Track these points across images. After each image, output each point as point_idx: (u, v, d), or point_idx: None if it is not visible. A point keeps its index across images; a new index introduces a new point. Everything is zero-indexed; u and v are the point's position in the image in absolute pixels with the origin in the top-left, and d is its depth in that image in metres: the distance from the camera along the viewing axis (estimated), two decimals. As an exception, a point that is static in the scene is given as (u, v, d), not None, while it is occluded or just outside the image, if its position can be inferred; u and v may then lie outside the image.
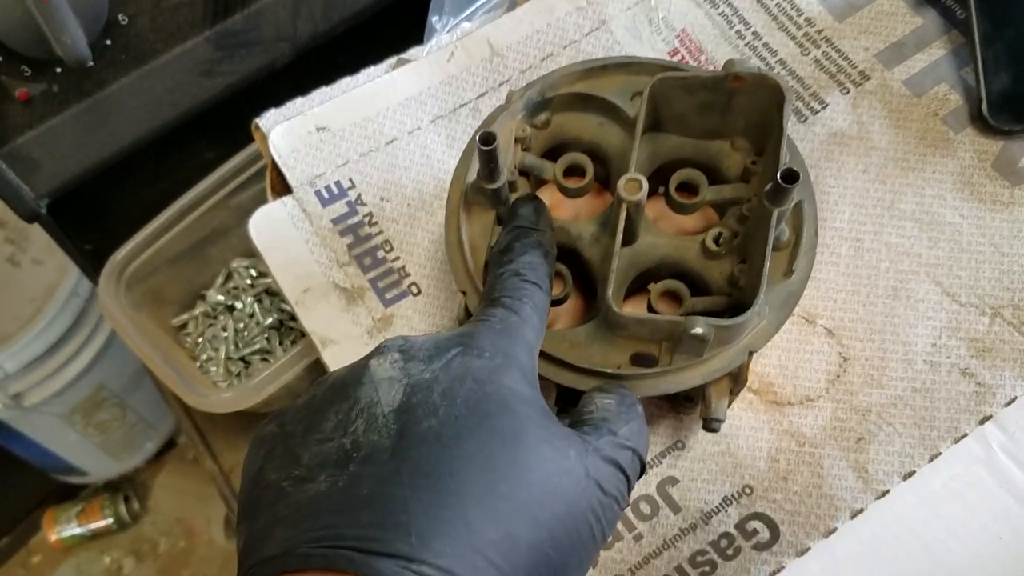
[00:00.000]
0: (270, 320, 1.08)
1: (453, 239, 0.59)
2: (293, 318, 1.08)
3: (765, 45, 0.73)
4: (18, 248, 1.51)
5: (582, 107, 0.63)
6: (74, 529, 2.05)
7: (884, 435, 0.61)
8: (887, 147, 0.69)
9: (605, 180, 0.63)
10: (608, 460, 0.45)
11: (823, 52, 0.72)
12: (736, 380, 0.57)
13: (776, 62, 0.73)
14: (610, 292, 0.53)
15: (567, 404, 0.54)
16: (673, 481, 0.62)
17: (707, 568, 0.59)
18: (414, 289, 0.68)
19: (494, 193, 0.57)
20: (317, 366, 0.74)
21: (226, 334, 1.06)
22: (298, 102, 0.75)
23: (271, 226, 0.71)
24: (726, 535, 0.60)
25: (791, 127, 0.66)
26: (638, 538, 0.60)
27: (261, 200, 0.74)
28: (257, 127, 0.74)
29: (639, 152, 0.58)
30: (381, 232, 0.70)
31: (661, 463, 0.62)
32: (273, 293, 1.10)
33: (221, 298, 1.09)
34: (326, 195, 0.71)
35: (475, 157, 0.59)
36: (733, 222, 0.59)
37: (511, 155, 0.61)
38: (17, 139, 0.86)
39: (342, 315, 0.68)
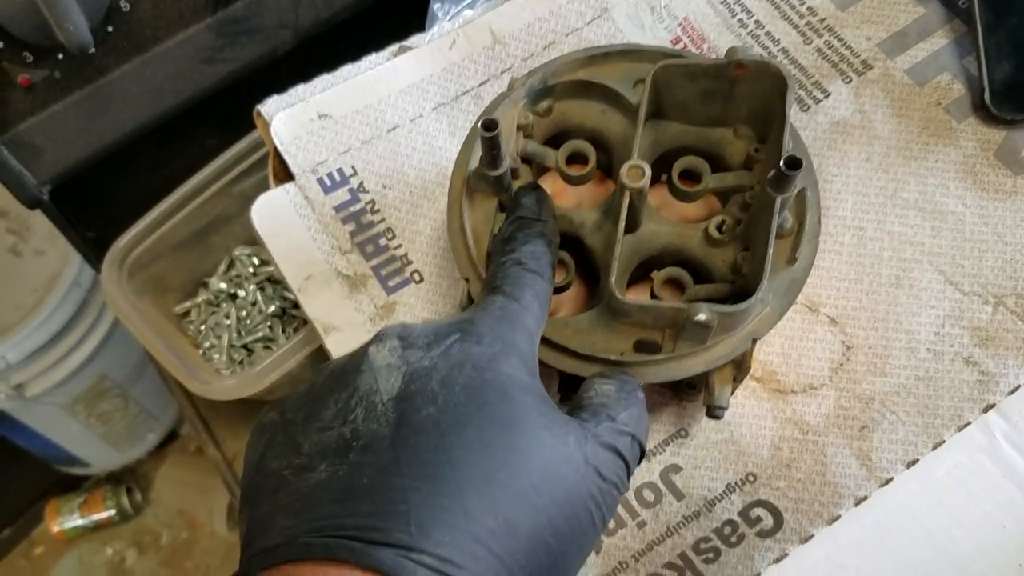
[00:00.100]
0: (272, 308, 1.08)
1: (455, 226, 0.59)
2: (296, 306, 1.08)
3: (767, 34, 0.73)
4: (20, 238, 1.51)
5: (584, 94, 0.63)
6: (76, 520, 2.06)
7: (888, 423, 0.61)
8: (890, 136, 0.68)
9: (607, 168, 0.63)
10: (607, 446, 0.45)
11: (825, 41, 0.72)
12: (739, 368, 0.56)
13: (778, 51, 0.72)
14: (613, 279, 0.53)
15: (569, 391, 0.54)
16: (676, 469, 0.62)
17: (711, 555, 0.59)
18: (416, 277, 0.68)
19: (496, 180, 0.57)
20: (320, 354, 0.74)
21: (229, 322, 1.06)
22: (300, 89, 0.75)
23: (273, 213, 0.71)
24: (729, 522, 0.60)
25: (793, 116, 0.65)
26: (641, 525, 0.60)
27: (263, 188, 0.74)
28: (259, 114, 0.74)
29: (641, 140, 0.58)
30: (383, 220, 0.70)
31: (664, 451, 0.62)
32: (276, 281, 1.10)
33: (223, 286, 1.09)
34: (328, 182, 0.71)
35: (477, 144, 0.58)
36: (736, 210, 0.58)
37: (513, 142, 0.61)
38: (19, 125, 0.86)
39: (344, 302, 0.68)
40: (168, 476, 2.13)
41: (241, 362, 1.06)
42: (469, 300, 0.58)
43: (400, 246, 0.69)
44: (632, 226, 0.57)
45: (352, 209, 0.70)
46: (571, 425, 0.45)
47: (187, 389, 0.93)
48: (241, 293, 1.09)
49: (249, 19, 0.92)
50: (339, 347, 0.67)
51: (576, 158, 0.61)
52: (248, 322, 1.07)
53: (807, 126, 0.69)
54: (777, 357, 0.63)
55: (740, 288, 0.56)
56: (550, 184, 0.61)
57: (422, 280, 0.68)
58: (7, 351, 1.47)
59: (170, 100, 0.92)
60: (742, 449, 0.61)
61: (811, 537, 0.59)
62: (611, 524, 0.60)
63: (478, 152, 0.58)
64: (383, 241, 0.69)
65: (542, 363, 0.54)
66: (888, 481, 0.59)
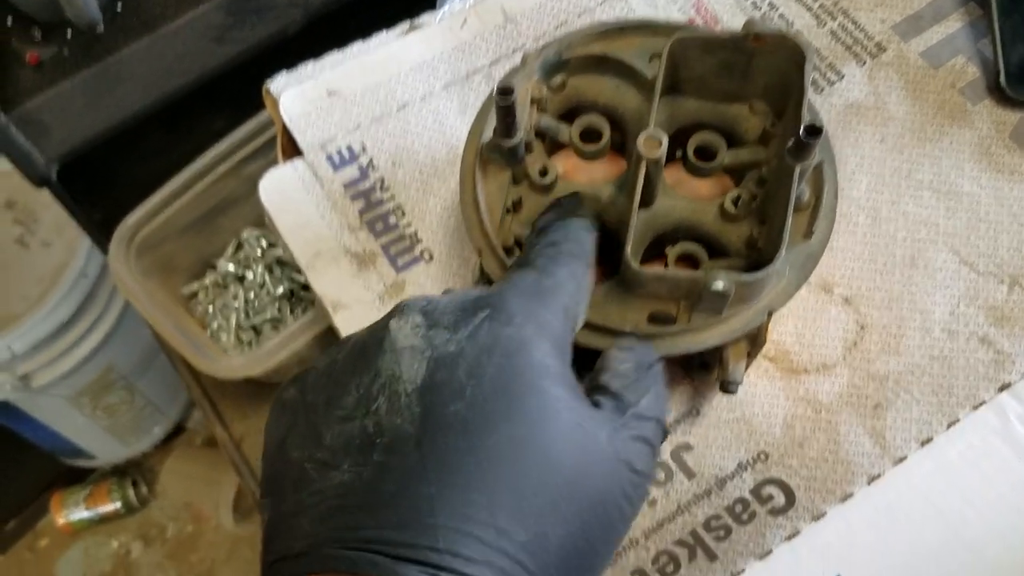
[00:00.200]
0: (281, 290, 1.08)
1: (468, 198, 0.58)
2: (305, 288, 1.08)
3: (781, 16, 0.73)
4: (27, 229, 1.52)
5: (598, 69, 0.62)
6: (82, 513, 2.06)
7: (902, 402, 0.60)
8: (904, 118, 0.68)
9: (620, 146, 0.63)
10: (637, 438, 0.44)
11: (839, 24, 0.72)
12: (754, 342, 0.56)
13: (792, 33, 0.72)
14: (629, 249, 0.53)
15: (584, 365, 0.54)
16: (688, 447, 0.61)
17: (722, 532, 0.59)
18: (426, 255, 0.68)
19: (511, 151, 0.56)
20: (328, 334, 0.73)
21: (237, 303, 1.06)
22: (309, 66, 0.74)
23: (281, 188, 0.70)
24: (741, 500, 0.59)
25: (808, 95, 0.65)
26: (652, 504, 0.60)
27: (272, 168, 0.73)
28: (268, 91, 0.73)
29: (657, 115, 0.57)
30: (393, 197, 0.69)
31: (676, 430, 0.62)
32: (284, 263, 1.10)
33: (231, 267, 1.09)
34: (337, 159, 0.70)
35: (491, 116, 0.58)
36: (752, 185, 0.58)
37: (527, 116, 0.60)
38: (27, 102, 0.86)
39: (353, 280, 0.68)
40: (174, 469, 2.13)
41: (249, 343, 1.06)
42: (482, 275, 0.57)
43: (410, 224, 0.69)
44: (647, 200, 0.57)
45: (361, 187, 0.70)
46: (601, 419, 0.43)
47: (195, 370, 0.93)
48: (249, 275, 1.09)
49: (260, -3, 0.92)
50: (348, 324, 0.67)
51: (590, 134, 0.60)
52: (256, 304, 1.07)
53: (821, 108, 0.69)
54: (790, 337, 0.63)
55: (755, 262, 0.55)
56: (563, 161, 0.60)
57: (432, 259, 0.68)
58: (13, 341, 1.47)
59: (179, 79, 0.92)
60: (754, 428, 0.61)
61: (823, 515, 0.58)
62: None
63: (491, 124, 0.57)
64: (392, 219, 0.69)
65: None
66: (902, 459, 0.59)
